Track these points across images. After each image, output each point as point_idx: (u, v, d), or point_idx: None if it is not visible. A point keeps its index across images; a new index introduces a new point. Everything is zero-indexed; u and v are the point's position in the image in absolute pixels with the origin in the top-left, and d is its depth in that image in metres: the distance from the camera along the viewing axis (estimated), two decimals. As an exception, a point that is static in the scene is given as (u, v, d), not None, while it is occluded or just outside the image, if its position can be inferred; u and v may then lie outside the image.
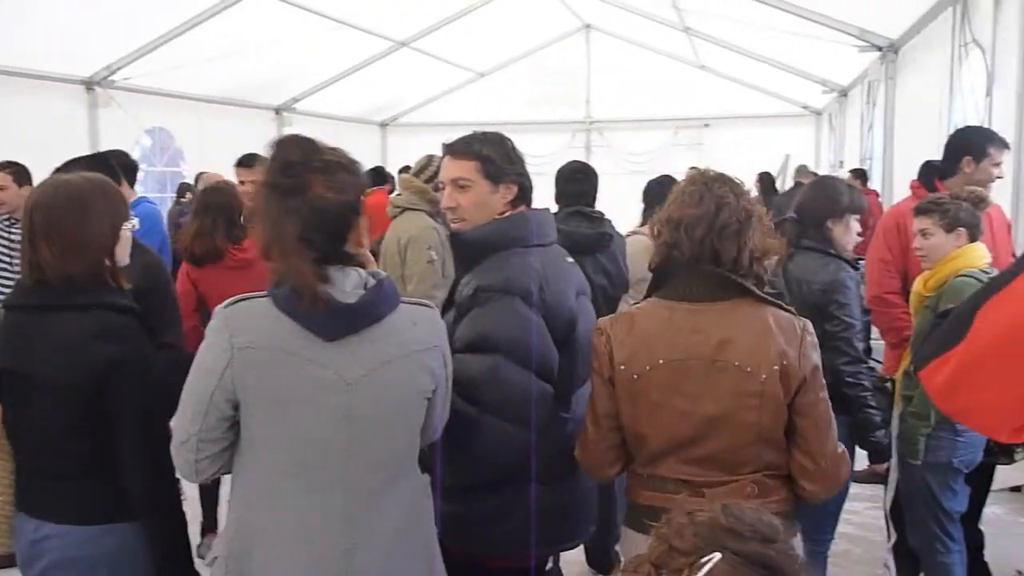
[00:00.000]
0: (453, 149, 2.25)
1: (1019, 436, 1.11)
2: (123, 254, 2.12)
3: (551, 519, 2.21)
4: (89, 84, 8.62)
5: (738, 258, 2.01)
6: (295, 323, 1.71)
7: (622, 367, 2.03)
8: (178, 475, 1.88)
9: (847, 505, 4.68)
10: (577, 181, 3.77)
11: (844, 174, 9.27)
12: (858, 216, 3.23)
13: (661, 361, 2.00)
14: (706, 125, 13.34)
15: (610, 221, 3.80)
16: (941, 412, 2.85)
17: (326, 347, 1.72)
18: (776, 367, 1.96)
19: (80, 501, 1.98)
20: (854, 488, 4.89)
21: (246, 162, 4.65)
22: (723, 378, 1.97)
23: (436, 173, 3.47)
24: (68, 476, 1.99)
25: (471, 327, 2.10)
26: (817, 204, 3.22)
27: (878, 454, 3.20)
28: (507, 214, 2.23)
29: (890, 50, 7.93)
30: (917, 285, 3.21)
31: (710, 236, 2.00)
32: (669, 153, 12.67)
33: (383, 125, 14.53)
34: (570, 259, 2.37)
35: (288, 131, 12.24)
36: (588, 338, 2.28)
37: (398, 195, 4.28)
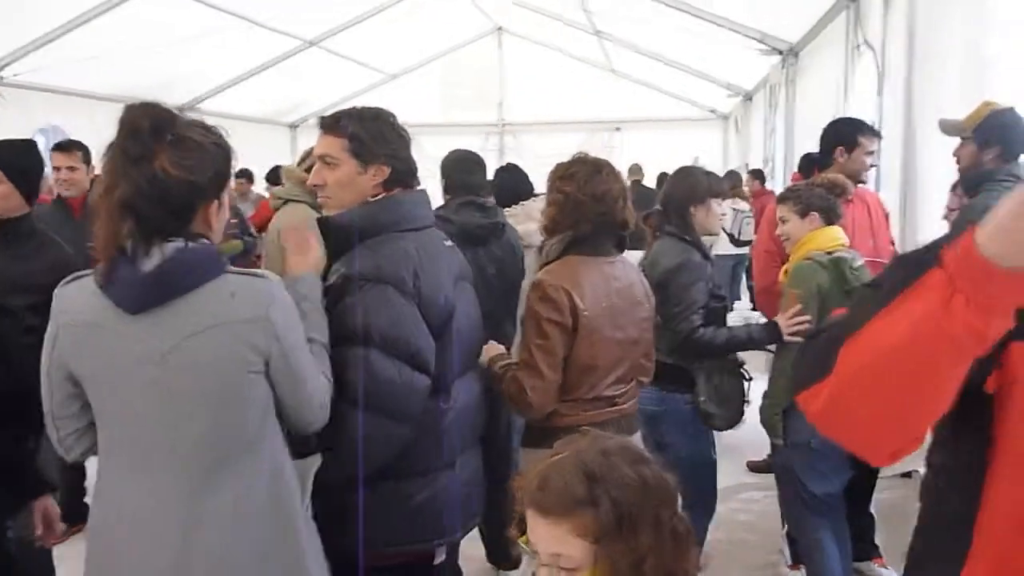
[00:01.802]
0: (324, 124, 2.17)
1: (895, 459, 1.16)
2: None
3: (431, 512, 2.15)
4: (-24, 81, 8.22)
5: (629, 223, 2.65)
6: (105, 297, 1.69)
7: (585, 312, 2.49)
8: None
9: (744, 495, 4.81)
10: (471, 172, 3.69)
11: (745, 175, 9.56)
12: (719, 199, 3.43)
13: (604, 304, 2.55)
14: (617, 128, 13.48)
15: (502, 211, 3.73)
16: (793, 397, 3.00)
17: (134, 320, 1.69)
18: (650, 297, 2.78)
19: None
20: (751, 477, 5.03)
21: (63, 146, 4.49)
22: (636, 310, 2.68)
23: None
24: None
25: (341, 318, 2.01)
26: (679, 192, 3.38)
27: (709, 422, 3.28)
28: (379, 197, 2.14)
29: (790, 53, 8.13)
30: (781, 274, 3.30)
31: (624, 207, 2.61)
32: (583, 155, 12.75)
33: (293, 126, 14.26)
34: (449, 243, 2.29)
35: (194, 132, 11.94)
36: (469, 325, 2.25)
37: (279, 187, 4.16)
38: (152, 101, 1.74)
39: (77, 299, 1.74)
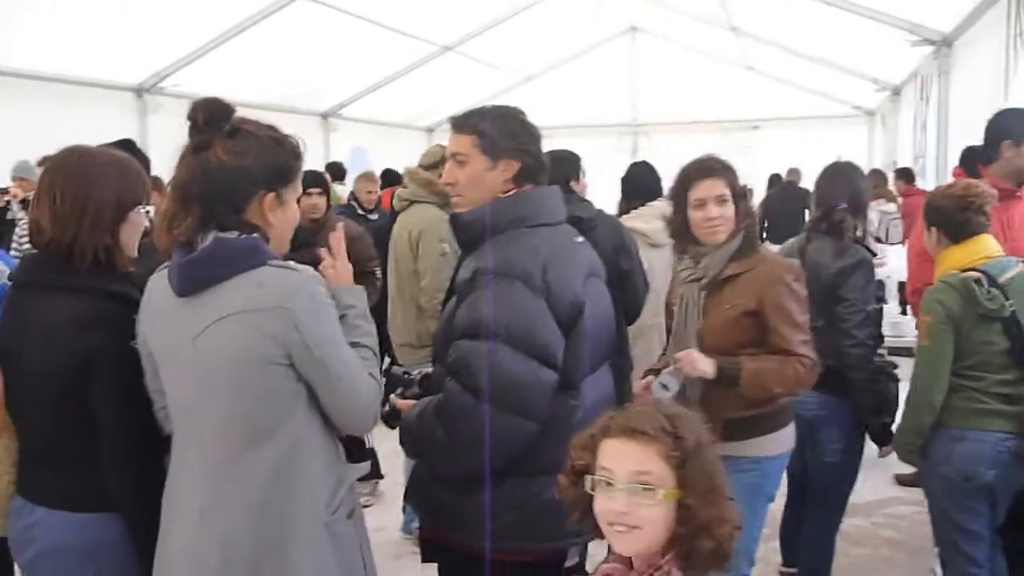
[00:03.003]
0: (455, 123, 2.20)
1: None
2: (130, 239, 2.04)
3: (561, 511, 2.11)
4: (139, 91, 8.80)
5: None
6: (166, 280, 1.83)
7: None
8: None
9: (890, 509, 4.56)
10: (554, 167, 3.50)
11: (891, 175, 9.11)
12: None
13: None
14: (755, 127, 13.13)
15: (589, 203, 3.50)
16: (934, 419, 2.82)
17: (181, 303, 1.80)
18: None
19: (70, 488, 1.93)
20: (898, 491, 4.76)
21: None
22: None
23: None
24: (58, 462, 1.94)
25: (469, 312, 2.01)
26: (858, 191, 3.25)
27: (879, 437, 3.13)
28: (509, 193, 2.14)
29: (943, 44, 7.69)
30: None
31: None
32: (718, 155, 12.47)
33: (429, 130, 14.59)
34: (580, 239, 2.26)
35: (334, 136, 12.40)
36: (599, 322, 2.21)
37: (404, 188, 4.19)
38: (213, 97, 1.84)
39: (153, 282, 1.89)
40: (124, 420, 1.91)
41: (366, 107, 12.03)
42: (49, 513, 1.93)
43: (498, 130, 2.13)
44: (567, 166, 3.62)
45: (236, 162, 1.79)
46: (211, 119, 1.80)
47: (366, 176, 7.66)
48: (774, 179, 10.97)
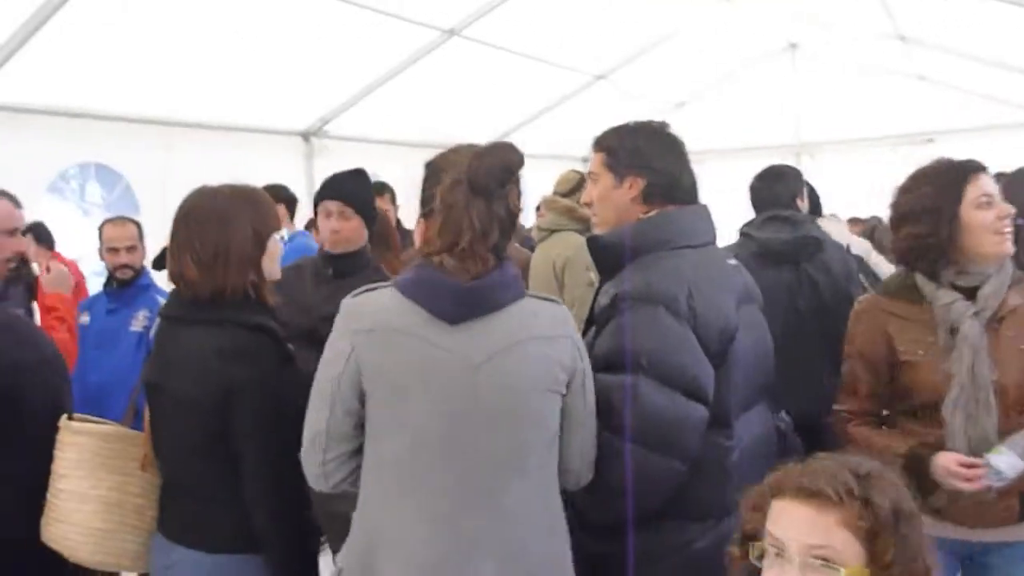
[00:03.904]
0: (593, 141, 2.13)
1: None
2: (270, 267, 2.03)
3: (714, 562, 1.92)
4: (305, 135, 9.24)
5: None
6: (417, 306, 1.68)
7: None
8: (310, 483, 1.78)
9: None
10: (771, 184, 3.36)
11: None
12: None
13: None
14: (930, 140, 12.25)
15: (816, 224, 3.29)
16: None
17: (449, 331, 1.67)
18: None
19: (209, 527, 1.91)
20: None
21: (376, 190, 4.73)
22: None
23: None
24: (198, 499, 1.93)
25: (608, 342, 1.88)
26: None
27: None
28: (651, 213, 2.00)
29: None
30: None
31: None
32: (889, 173, 11.74)
33: (585, 160, 14.56)
34: (733, 261, 2.09)
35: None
36: (754, 352, 2.02)
37: (542, 217, 4.12)
38: (507, 143, 1.79)
39: (380, 308, 1.71)
40: (266, 455, 1.86)
41: (521, 139, 12.10)
42: (187, 553, 1.91)
43: (624, 146, 2.03)
44: (791, 183, 3.44)
45: (519, 211, 1.79)
46: (518, 167, 1.77)
47: None
48: None
